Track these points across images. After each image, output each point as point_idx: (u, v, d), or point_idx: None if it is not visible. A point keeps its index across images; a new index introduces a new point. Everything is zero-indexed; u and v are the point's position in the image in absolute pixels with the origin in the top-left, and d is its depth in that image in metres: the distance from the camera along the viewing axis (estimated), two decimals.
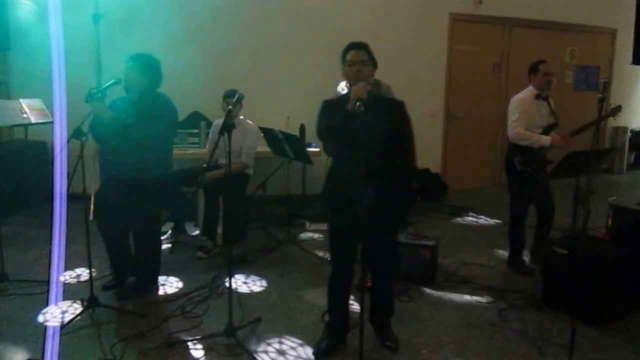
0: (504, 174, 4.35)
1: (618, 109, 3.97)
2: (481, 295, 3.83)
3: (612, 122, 8.25)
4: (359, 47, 2.87)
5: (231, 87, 4.45)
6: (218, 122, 4.80)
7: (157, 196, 3.66)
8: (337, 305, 3.08)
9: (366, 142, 2.54)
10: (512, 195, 4.29)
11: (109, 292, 3.68)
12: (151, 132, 3.44)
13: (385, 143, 2.72)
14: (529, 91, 4.20)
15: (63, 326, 3.16)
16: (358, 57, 2.83)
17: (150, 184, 3.53)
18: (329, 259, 4.54)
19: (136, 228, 3.68)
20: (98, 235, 3.63)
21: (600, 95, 2.72)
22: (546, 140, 4.00)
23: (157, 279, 3.86)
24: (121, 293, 3.68)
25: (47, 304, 3.48)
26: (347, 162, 2.75)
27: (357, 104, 2.51)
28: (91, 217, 3.29)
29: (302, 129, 5.63)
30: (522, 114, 4.07)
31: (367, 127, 2.60)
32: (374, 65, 2.90)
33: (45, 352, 2.70)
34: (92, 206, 3.28)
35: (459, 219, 5.90)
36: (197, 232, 4.99)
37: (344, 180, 2.75)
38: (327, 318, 3.37)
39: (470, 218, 5.96)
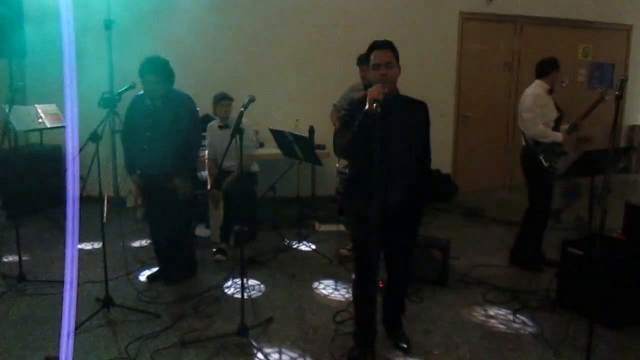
0: (516, 174, 4.33)
1: (605, 92, 4.10)
2: (494, 296, 3.81)
3: (628, 121, 8.16)
4: (383, 46, 2.70)
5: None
6: (212, 124, 4.82)
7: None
8: (365, 315, 2.90)
9: (388, 142, 2.52)
10: (538, 192, 4.24)
11: (122, 291, 3.74)
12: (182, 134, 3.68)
13: (406, 143, 2.71)
14: (540, 87, 4.23)
15: (79, 325, 3.20)
16: (382, 59, 2.68)
17: (178, 177, 3.74)
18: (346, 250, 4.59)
19: (170, 218, 3.84)
20: (112, 236, 3.67)
21: (617, 93, 2.69)
22: (560, 136, 4.13)
23: (192, 266, 4.10)
24: (168, 278, 3.93)
25: (63, 304, 3.54)
26: (369, 162, 2.57)
27: (375, 105, 2.50)
28: (104, 219, 3.32)
29: (311, 130, 5.65)
30: (540, 110, 4.14)
31: (388, 126, 2.56)
32: (398, 61, 2.74)
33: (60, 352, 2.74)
34: (106, 207, 3.31)
35: (470, 219, 5.87)
36: (208, 234, 5.03)
37: (366, 180, 2.67)
38: (338, 319, 3.41)
39: (481, 218, 5.92)
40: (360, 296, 2.98)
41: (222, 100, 4.63)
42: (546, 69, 4.23)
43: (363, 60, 4.23)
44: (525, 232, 4.38)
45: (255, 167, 4.88)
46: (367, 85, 4.22)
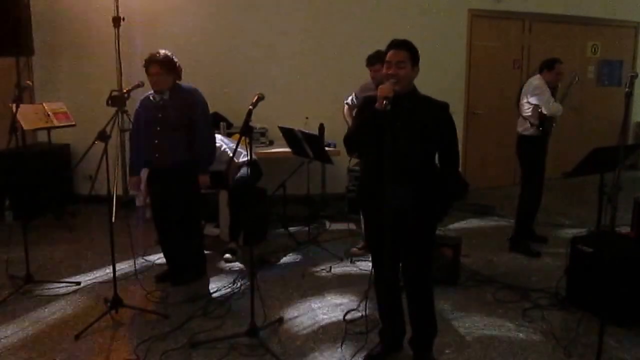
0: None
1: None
2: (504, 295, 3.78)
3: (636, 118, 8.11)
4: (398, 45, 2.63)
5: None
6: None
7: (195, 186, 3.85)
8: (384, 311, 2.93)
9: (395, 140, 2.49)
10: (531, 177, 4.64)
11: (130, 292, 3.73)
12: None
13: (415, 144, 2.61)
14: (539, 79, 4.61)
15: (87, 327, 3.19)
16: (394, 57, 2.60)
17: (187, 174, 3.77)
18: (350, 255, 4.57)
19: (178, 216, 3.84)
20: (121, 236, 3.66)
21: (627, 89, 2.66)
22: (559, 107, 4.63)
23: (201, 266, 4.08)
24: (176, 278, 3.92)
25: (71, 305, 3.55)
26: (377, 163, 2.57)
27: (384, 102, 2.47)
28: (113, 219, 3.31)
29: (321, 128, 5.62)
30: (548, 91, 4.54)
31: (396, 125, 2.53)
32: (416, 62, 2.65)
33: None
34: (114, 207, 3.29)
35: (480, 217, 5.83)
36: (218, 233, 5.01)
37: (374, 181, 2.63)
38: (349, 318, 3.40)
39: (491, 216, 5.89)
40: (377, 294, 2.95)
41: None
42: (540, 67, 4.70)
43: (372, 61, 4.20)
44: (519, 218, 4.73)
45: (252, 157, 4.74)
46: (378, 85, 4.21)
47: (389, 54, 2.63)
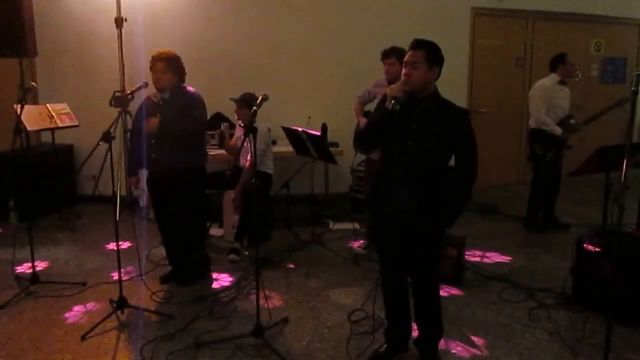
0: (529, 169, 5.23)
1: (625, 99, 4.42)
2: (510, 294, 3.78)
3: None
4: (415, 45, 2.58)
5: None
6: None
7: (195, 187, 3.85)
8: (391, 311, 2.93)
9: (404, 141, 2.48)
10: (540, 166, 5.01)
11: (135, 292, 3.72)
12: (185, 127, 3.63)
13: (432, 149, 2.58)
14: (550, 78, 4.95)
15: (92, 327, 3.20)
16: (409, 58, 2.56)
17: (186, 175, 3.73)
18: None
19: (179, 217, 3.83)
20: (126, 236, 3.66)
21: (633, 88, 2.64)
22: (558, 131, 4.85)
23: (205, 266, 4.10)
24: (179, 279, 3.93)
25: (77, 305, 3.56)
26: (387, 163, 2.58)
27: (392, 102, 2.46)
28: (117, 218, 3.31)
29: (325, 128, 5.62)
30: (544, 100, 4.87)
31: (406, 126, 2.52)
32: (434, 63, 2.59)
33: None
34: (118, 207, 3.29)
35: (484, 216, 5.82)
36: (222, 233, 5.01)
37: (383, 181, 2.64)
38: (353, 318, 3.40)
39: (496, 215, 5.87)
40: (384, 294, 2.94)
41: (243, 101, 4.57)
42: (552, 64, 5.01)
43: (387, 54, 4.17)
44: (531, 199, 5.18)
45: (270, 170, 4.80)
46: (390, 81, 4.20)
47: (407, 54, 2.60)
